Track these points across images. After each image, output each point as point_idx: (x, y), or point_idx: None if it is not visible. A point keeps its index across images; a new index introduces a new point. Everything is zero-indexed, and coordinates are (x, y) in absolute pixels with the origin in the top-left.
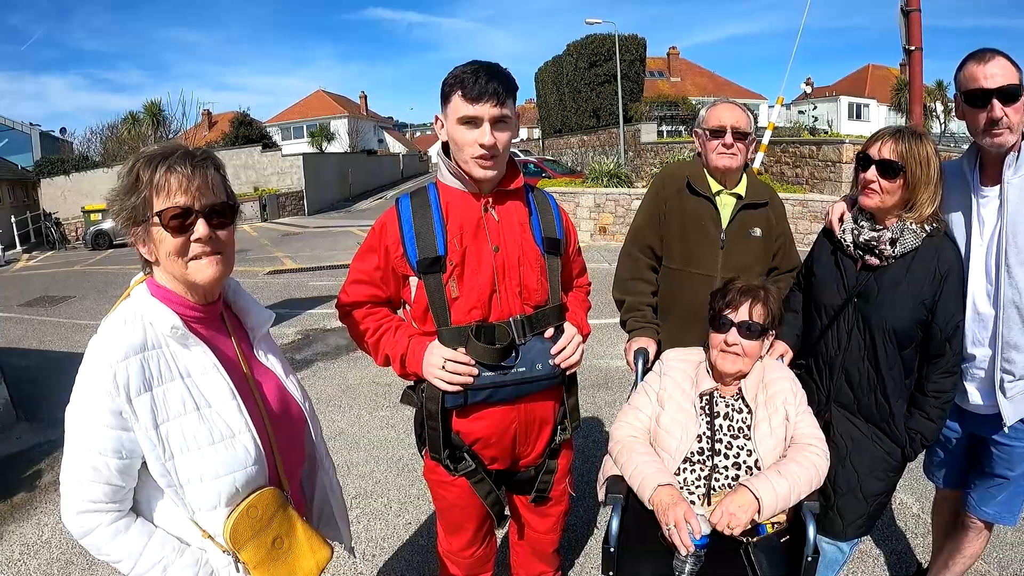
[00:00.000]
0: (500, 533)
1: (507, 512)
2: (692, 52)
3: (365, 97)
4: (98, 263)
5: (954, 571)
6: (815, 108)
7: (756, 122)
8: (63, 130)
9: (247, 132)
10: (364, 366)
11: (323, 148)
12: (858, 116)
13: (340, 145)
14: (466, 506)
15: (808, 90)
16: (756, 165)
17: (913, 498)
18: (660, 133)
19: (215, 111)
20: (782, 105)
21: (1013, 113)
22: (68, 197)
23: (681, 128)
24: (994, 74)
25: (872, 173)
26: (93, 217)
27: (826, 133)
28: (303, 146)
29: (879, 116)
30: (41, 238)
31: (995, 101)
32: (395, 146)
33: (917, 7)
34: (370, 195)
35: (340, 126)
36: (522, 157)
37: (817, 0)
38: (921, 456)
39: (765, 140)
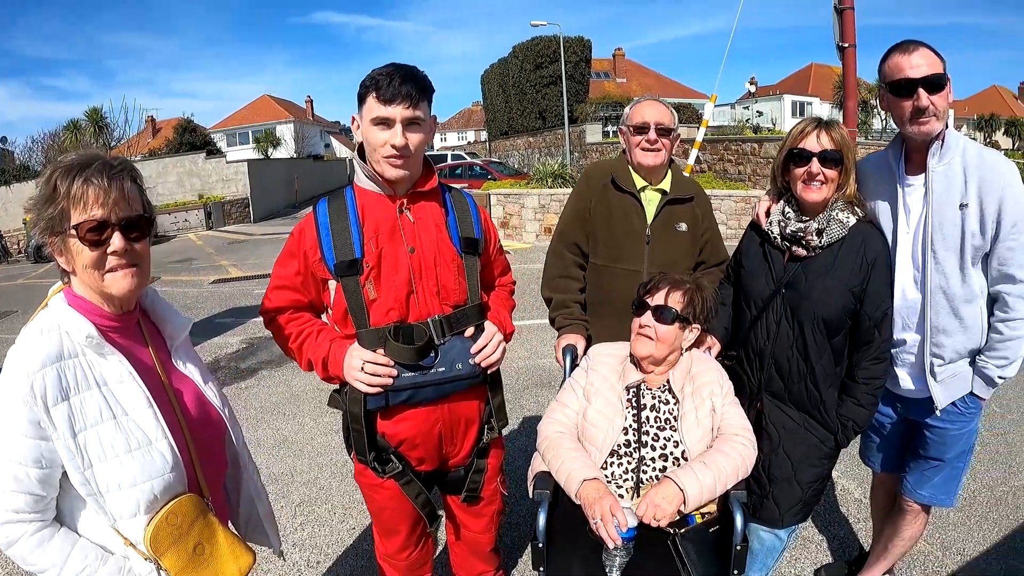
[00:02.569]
0: (437, 534)
1: (439, 513)
2: (638, 53)
3: (311, 101)
4: (40, 276)
5: (894, 553)
6: (758, 105)
7: (699, 118)
8: (3, 139)
9: (191, 139)
10: (308, 373)
11: (268, 154)
12: (801, 114)
13: (286, 151)
14: (397, 508)
15: (752, 89)
16: (690, 162)
17: (855, 483)
18: (606, 133)
19: (160, 117)
20: (715, 103)
21: (939, 101)
22: (9, 208)
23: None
24: (919, 64)
25: (817, 166)
26: None
27: (769, 131)
28: (249, 152)
29: (822, 113)
30: None
31: (921, 90)
32: (342, 151)
33: (851, 5)
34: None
35: (286, 131)
36: (468, 159)
37: (762, 1)
38: (858, 441)
39: (699, 137)
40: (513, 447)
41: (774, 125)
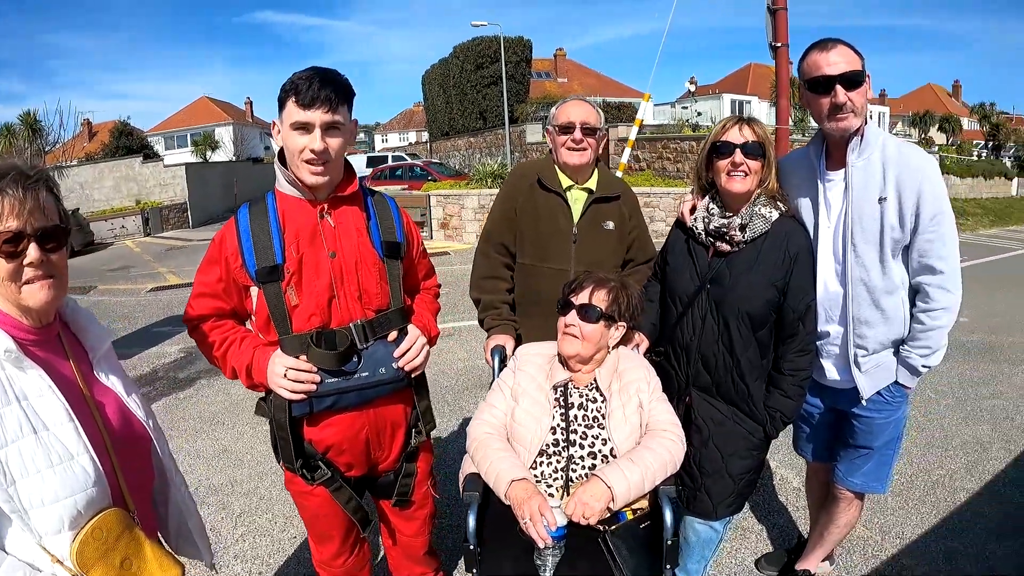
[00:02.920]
0: (377, 539)
1: (371, 518)
2: (579, 53)
3: (251, 103)
4: None
5: (830, 540)
6: (697, 104)
7: (635, 115)
8: None
9: (128, 142)
10: None
11: (207, 157)
12: (740, 112)
13: (225, 154)
14: (329, 515)
15: (692, 88)
16: (624, 160)
17: (793, 472)
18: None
19: (97, 120)
20: (648, 102)
21: (857, 97)
22: None
23: None
24: (836, 61)
25: (740, 156)
26: None
27: (708, 129)
28: (187, 156)
29: (760, 112)
30: None
31: (838, 87)
32: None
33: (783, 6)
34: None
35: (225, 134)
36: (408, 161)
37: (703, 1)
38: (791, 431)
39: (632, 136)
40: (453, 449)
41: (713, 123)
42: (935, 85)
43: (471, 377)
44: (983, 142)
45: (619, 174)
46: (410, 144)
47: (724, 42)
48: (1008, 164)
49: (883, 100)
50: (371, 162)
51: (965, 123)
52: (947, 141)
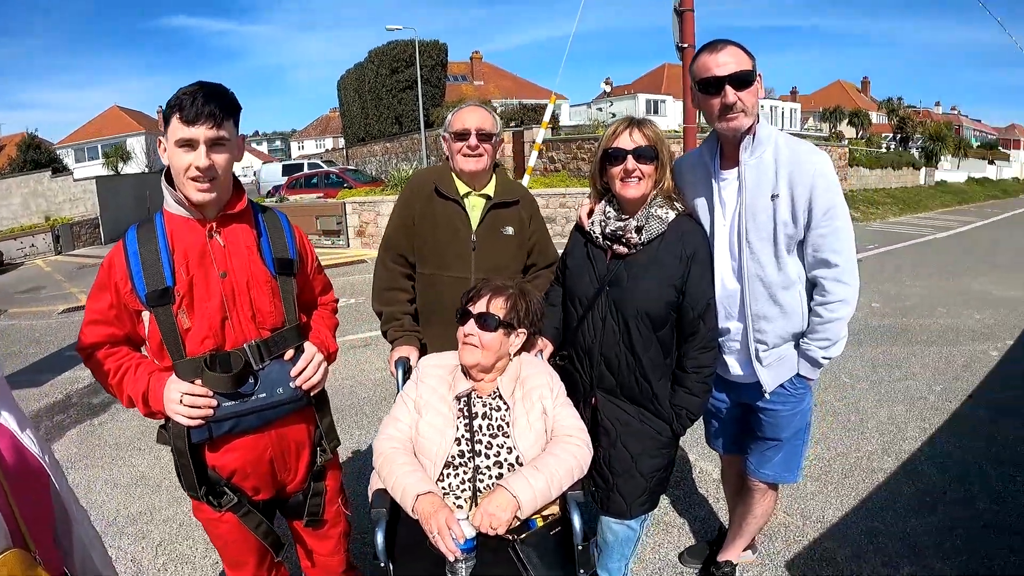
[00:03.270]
0: (296, 560)
1: (284, 541)
2: (496, 56)
3: (163, 112)
4: None
5: (749, 530)
6: (612, 105)
7: (554, 120)
8: None
9: (36, 156)
10: None
11: (119, 169)
12: (655, 111)
13: (137, 165)
14: (240, 540)
15: (607, 89)
16: (530, 164)
17: (712, 465)
18: None
19: (3, 132)
20: (553, 103)
21: (747, 97)
22: None
23: None
24: (726, 62)
25: (632, 163)
26: None
27: None
28: (98, 168)
29: (675, 111)
30: None
31: (728, 87)
32: None
33: (690, 7)
34: None
35: (137, 144)
36: (324, 168)
37: (621, 2)
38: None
39: (539, 140)
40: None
41: None
42: (845, 82)
43: (389, 388)
44: (891, 135)
45: (526, 178)
46: (326, 151)
47: (640, 43)
48: (915, 155)
49: (794, 97)
50: (286, 170)
51: (874, 117)
52: (857, 135)
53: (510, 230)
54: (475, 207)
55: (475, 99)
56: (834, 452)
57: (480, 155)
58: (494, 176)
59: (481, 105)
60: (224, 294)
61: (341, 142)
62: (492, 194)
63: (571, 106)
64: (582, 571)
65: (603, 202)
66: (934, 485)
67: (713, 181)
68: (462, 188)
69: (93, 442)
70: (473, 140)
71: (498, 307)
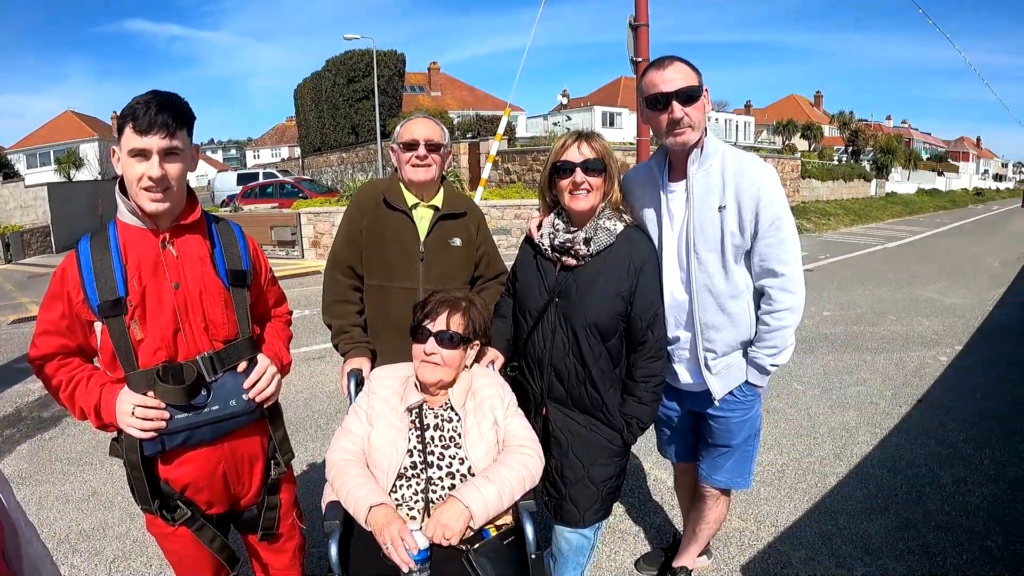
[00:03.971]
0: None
1: (239, 555)
2: (454, 67)
3: (117, 117)
4: None
5: (703, 536)
6: (569, 120)
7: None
8: None
9: None
10: None
11: (71, 176)
12: (611, 124)
13: (90, 171)
14: (195, 555)
15: (564, 101)
16: (484, 176)
17: (666, 473)
18: None
19: None
20: (508, 116)
21: (694, 112)
22: None
23: None
24: (672, 78)
25: (580, 175)
26: None
27: None
28: (50, 175)
29: (631, 123)
30: None
31: (674, 103)
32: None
33: (645, 22)
34: None
35: (90, 150)
36: (280, 178)
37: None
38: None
39: (493, 151)
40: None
41: None
42: (798, 95)
43: (343, 400)
44: (843, 147)
45: (480, 189)
46: (282, 160)
47: (597, 56)
48: (866, 167)
49: (748, 110)
50: (241, 179)
51: (826, 130)
52: (810, 147)
53: (458, 241)
54: (423, 218)
55: (424, 110)
56: (787, 457)
57: (429, 165)
58: (441, 187)
59: (429, 116)
60: (177, 305)
61: (297, 151)
62: (440, 205)
63: (528, 118)
64: None
65: (552, 214)
66: (885, 487)
67: (661, 193)
68: (410, 199)
69: (44, 457)
70: (422, 150)
71: (457, 323)
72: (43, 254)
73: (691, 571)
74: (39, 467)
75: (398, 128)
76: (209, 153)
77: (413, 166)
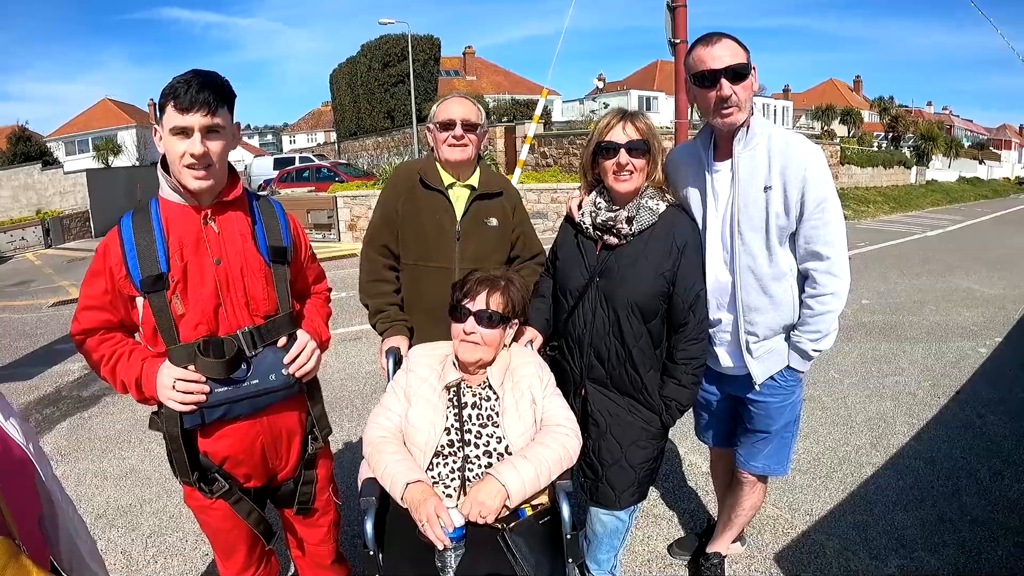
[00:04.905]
0: (280, 550)
1: (275, 529)
2: (489, 51)
3: (154, 104)
4: None
5: (738, 523)
6: (606, 105)
7: (547, 115)
8: None
9: (26, 148)
10: None
11: (109, 162)
12: (648, 108)
13: (128, 158)
14: (231, 528)
15: (600, 85)
16: (522, 157)
17: (702, 458)
18: None
19: None
20: (545, 97)
21: (742, 91)
22: None
23: None
24: (721, 55)
25: (625, 157)
26: None
27: None
28: (89, 161)
29: (667, 107)
30: None
31: (723, 81)
32: None
33: (683, 3)
34: None
35: (127, 137)
36: (315, 162)
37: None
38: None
39: (531, 133)
40: (362, 454)
41: None
42: (837, 80)
43: (379, 381)
44: (883, 133)
45: (517, 172)
46: (318, 145)
47: (633, 40)
48: (907, 154)
49: (787, 95)
50: (278, 164)
51: (866, 116)
52: (849, 133)
53: (494, 221)
54: (459, 198)
55: (460, 91)
56: (823, 446)
57: (465, 145)
58: (478, 167)
59: (466, 96)
60: (218, 281)
61: (333, 136)
62: (476, 185)
63: (564, 102)
64: (571, 560)
65: (594, 193)
66: (922, 480)
67: (706, 173)
68: (447, 179)
69: (83, 435)
70: (459, 130)
71: (496, 303)
72: (82, 239)
73: (725, 557)
74: (78, 445)
75: (434, 108)
76: (245, 138)
77: (450, 146)
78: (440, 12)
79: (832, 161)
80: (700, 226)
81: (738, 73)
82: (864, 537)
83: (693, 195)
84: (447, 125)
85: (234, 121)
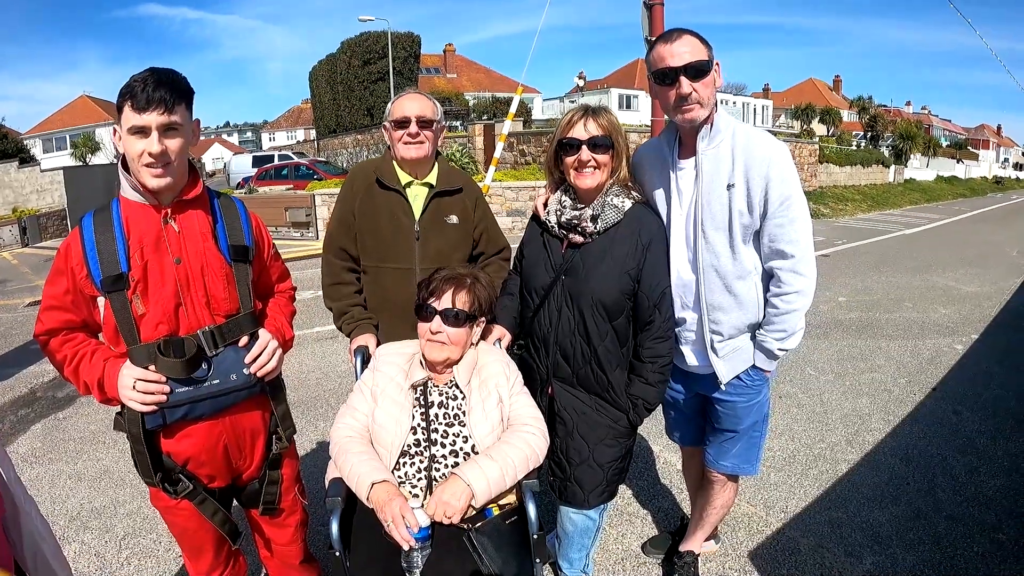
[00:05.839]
0: (248, 549)
1: (241, 529)
2: (469, 49)
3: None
4: None
5: (710, 522)
6: (586, 96)
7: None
8: None
9: (3, 146)
10: None
11: (87, 160)
12: (628, 106)
13: (106, 155)
14: (198, 528)
15: (580, 83)
16: (496, 155)
17: (675, 456)
18: None
19: None
20: (519, 95)
21: (702, 88)
22: None
23: (456, 123)
24: (681, 52)
25: (587, 153)
26: None
27: None
28: (67, 159)
29: (648, 105)
30: None
31: (682, 78)
32: None
33: (660, 1)
34: None
35: (106, 134)
36: (294, 160)
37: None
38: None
39: (505, 131)
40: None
41: None
42: (817, 80)
43: (354, 380)
44: (862, 133)
45: (492, 169)
46: (298, 142)
47: (614, 38)
48: (885, 153)
49: (767, 94)
50: (257, 161)
51: (845, 115)
52: (828, 132)
53: (454, 218)
54: (417, 196)
55: (414, 88)
56: (798, 443)
57: (421, 142)
58: (435, 165)
59: (421, 92)
60: (178, 280)
61: (312, 134)
62: (434, 182)
63: (544, 100)
64: (538, 561)
65: (559, 191)
66: (897, 476)
67: (671, 170)
68: (404, 177)
69: (58, 436)
70: (413, 127)
71: (462, 301)
72: (59, 237)
73: (698, 556)
74: (53, 446)
75: (389, 106)
76: (225, 136)
77: (405, 144)
78: (421, 9)
79: (811, 160)
80: (665, 224)
81: (699, 70)
82: (839, 534)
83: (658, 193)
84: (402, 123)
85: (192, 118)
